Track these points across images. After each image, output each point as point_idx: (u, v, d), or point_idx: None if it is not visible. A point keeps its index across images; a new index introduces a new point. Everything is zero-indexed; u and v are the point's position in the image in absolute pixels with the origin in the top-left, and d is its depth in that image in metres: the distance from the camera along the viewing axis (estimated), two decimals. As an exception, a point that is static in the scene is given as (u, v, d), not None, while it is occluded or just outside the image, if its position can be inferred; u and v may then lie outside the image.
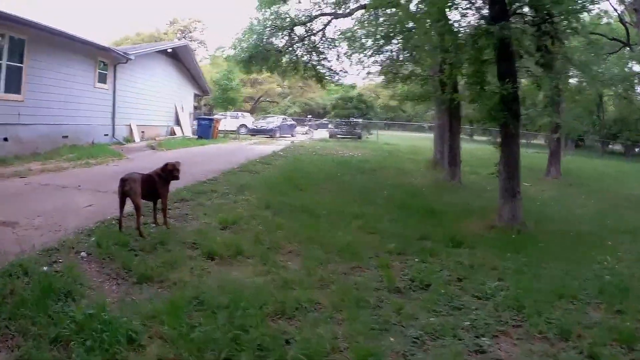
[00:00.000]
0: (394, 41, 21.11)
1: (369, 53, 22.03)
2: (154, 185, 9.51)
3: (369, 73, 33.93)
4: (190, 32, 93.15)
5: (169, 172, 9.72)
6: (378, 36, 20.15)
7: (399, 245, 9.14)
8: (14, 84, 20.88)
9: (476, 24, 13.42)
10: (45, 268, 6.88)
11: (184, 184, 13.38)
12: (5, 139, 20.41)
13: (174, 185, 10.41)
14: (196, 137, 38.79)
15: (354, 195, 13.66)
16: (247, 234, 9.45)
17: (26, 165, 18.04)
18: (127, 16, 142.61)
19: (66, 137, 24.63)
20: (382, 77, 26.83)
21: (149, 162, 16.50)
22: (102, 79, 28.80)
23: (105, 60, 28.88)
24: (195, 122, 43.06)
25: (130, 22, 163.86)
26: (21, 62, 21.18)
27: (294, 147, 33.13)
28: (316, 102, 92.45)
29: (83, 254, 7.83)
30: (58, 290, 6.07)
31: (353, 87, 62.20)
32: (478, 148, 30.54)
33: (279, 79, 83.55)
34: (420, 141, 48.86)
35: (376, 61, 23.72)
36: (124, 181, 8.98)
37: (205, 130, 38.75)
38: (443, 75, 17.59)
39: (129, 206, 9.22)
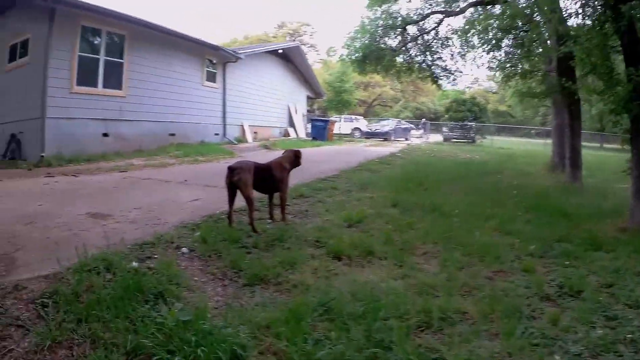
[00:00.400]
0: (510, 35, 19.92)
1: (487, 48, 20.61)
2: (271, 176, 8.16)
3: (476, 79, 32.36)
4: (300, 35, 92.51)
5: (295, 157, 8.62)
6: (491, 33, 19.10)
7: (539, 248, 7.77)
8: (114, 79, 20.57)
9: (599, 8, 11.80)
10: (134, 264, 5.68)
11: (302, 181, 12.23)
12: (105, 135, 20.05)
13: (290, 181, 9.11)
14: (310, 139, 37.75)
15: (481, 195, 12.02)
16: (375, 232, 7.96)
17: (127, 160, 17.62)
18: (234, 20, 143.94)
19: (173, 135, 24.12)
20: (497, 75, 25.24)
21: (263, 161, 15.01)
22: (211, 77, 28.06)
23: (214, 59, 27.99)
24: (308, 125, 42.05)
25: (238, 26, 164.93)
26: (121, 58, 20.86)
27: (410, 149, 31.38)
28: (427, 106, 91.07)
29: (184, 249, 6.56)
30: (147, 289, 4.89)
31: (462, 93, 60.92)
32: (588, 153, 28.58)
33: (392, 82, 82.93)
34: (531, 146, 47.21)
35: (493, 58, 22.34)
36: (232, 170, 7.57)
37: (320, 131, 37.45)
38: (562, 69, 16.08)
39: (241, 200, 7.94)
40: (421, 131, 55.09)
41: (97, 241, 6.32)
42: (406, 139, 48.59)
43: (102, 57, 19.86)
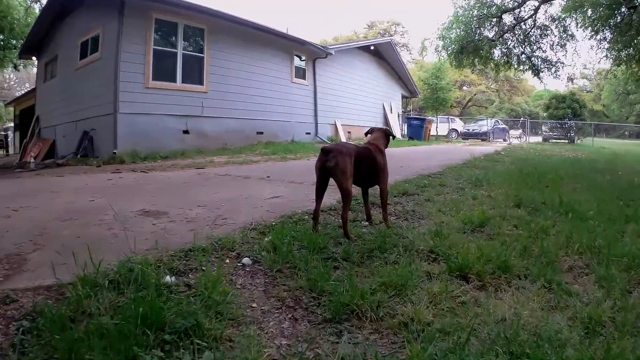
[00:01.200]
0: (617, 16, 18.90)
1: (590, 32, 19.71)
2: (373, 164, 5.91)
3: (571, 78, 31.53)
4: (391, 35, 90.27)
5: (386, 137, 6.37)
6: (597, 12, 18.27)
7: None
8: (194, 74, 20.01)
9: None
10: (168, 278, 3.82)
11: (404, 177, 10.49)
12: (186, 132, 19.42)
13: (392, 177, 7.59)
14: (406, 138, 36.29)
15: (607, 193, 10.02)
16: (505, 239, 5.46)
17: (208, 158, 16.70)
18: (323, 20, 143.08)
19: (261, 133, 23.37)
20: (595, 69, 23.62)
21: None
22: (300, 74, 26.84)
23: (302, 55, 26.82)
24: (404, 125, 41.20)
25: (327, 26, 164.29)
26: (201, 52, 20.30)
27: (512, 148, 28.94)
28: (522, 107, 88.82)
29: (246, 259, 4.46)
30: (170, 321, 3.01)
31: (557, 92, 58.80)
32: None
33: (487, 81, 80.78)
34: (633, 146, 44.61)
35: (603, 39, 21.10)
36: (327, 153, 5.35)
37: (417, 130, 36.19)
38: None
39: (330, 196, 6.52)
40: (520, 131, 52.65)
41: (138, 244, 4.63)
42: (504, 139, 46.95)
43: (179, 52, 19.33)
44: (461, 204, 7.66)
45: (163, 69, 18.62)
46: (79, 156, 17.88)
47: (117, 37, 17.12)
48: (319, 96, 28.59)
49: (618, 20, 19.31)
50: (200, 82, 20.05)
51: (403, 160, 15.67)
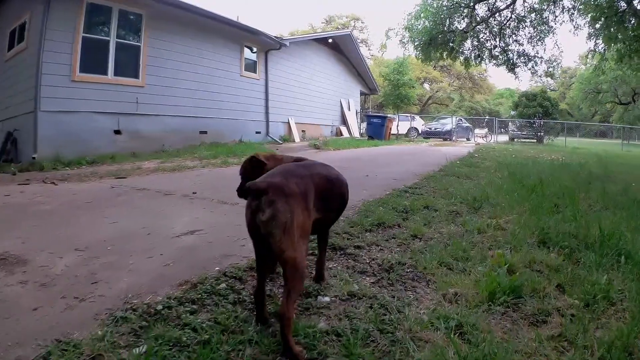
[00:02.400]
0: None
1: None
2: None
3: (550, 75, 31.37)
4: (349, 30, 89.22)
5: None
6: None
7: None
8: (129, 66, 17.78)
9: None
10: None
11: (372, 193, 8.49)
12: (118, 132, 17.26)
13: (358, 194, 7.05)
14: (366, 137, 34.21)
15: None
16: (561, 329, 3.23)
17: (139, 163, 14.62)
18: (278, 13, 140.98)
19: (204, 132, 21.23)
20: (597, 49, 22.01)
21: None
22: (251, 67, 24.74)
23: (254, 46, 24.80)
24: (363, 124, 39.70)
25: (282, 20, 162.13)
26: (138, 41, 18.08)
27: (483, 149, 26.66)
28: (482, 105, 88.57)
29: None
30: None
31: (528, 91, 57.92)
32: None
33: (449, 78, 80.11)
34: (606, 146, 44.61)
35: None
36: (258, 195, 2.99)
37: (377, 129, 33.54)
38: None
39: None
40: (485, 130, 51.46)
41: None
42: (467, 139, 45.94)
43: (113, 40, 17.04)
44: (467, 243, 5.29)
45: (93, 60, 16.51)
46: (1, 161, 15.96)
47: (41, 23, 15.02)
48: (271, 91, 26.52)
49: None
50: (136, 75, 17.95)
51: (367, 165, 14.11)
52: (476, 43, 25.13)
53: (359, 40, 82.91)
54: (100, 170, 12.86)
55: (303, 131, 29.64)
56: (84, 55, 15.92)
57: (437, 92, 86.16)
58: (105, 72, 16.68)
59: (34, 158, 14.41)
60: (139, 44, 17.83)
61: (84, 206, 7.70)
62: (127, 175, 11.72)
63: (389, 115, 40.29)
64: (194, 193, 8.73)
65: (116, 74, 16.99)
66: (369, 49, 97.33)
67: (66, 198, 8.55)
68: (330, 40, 34.28)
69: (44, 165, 13.67)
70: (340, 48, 36.00)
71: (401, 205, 7.34)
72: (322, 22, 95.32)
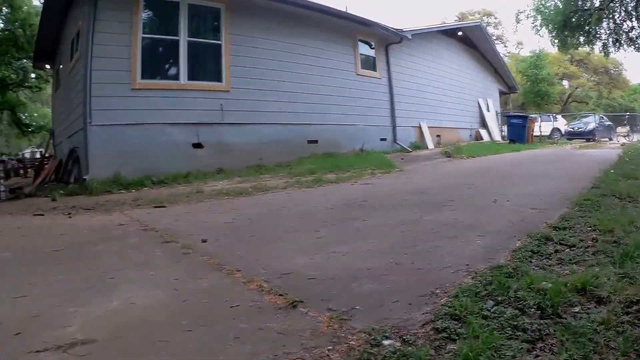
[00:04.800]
0: None
1: None
2: None
3: None
4: (478, 21, 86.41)
5: None
6: None
7: None
8: (208, 68, 15.89)
9: None
10: None
11: (487, 246, 5.31)
12: (197, 145, 15.11)
13: (456, 254, 4.87)
14: (507, 141, 30.18)
15: None
16: None
17: (211, 182, 12.89)
18: (405, 10, 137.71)
19: (314, 142, 18.41)
20: None
21: (430, 178, 12.07)
22: (369, 65, 21.80)
23: (370, 41, 21.89)
24: (504, 127, 35.51)
25: (405, 20, 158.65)
26: (217, 39, 15.94)
27: (632, 150, 22.57)
28: (618, 102, 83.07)
29: None
30: None
31: None
32: None
33: (588, 74, 77.13)
34: None
35: None
36: None
37: (518, 131, 29.62)
38: None
39: None
40: (627, 128, 46.30)
41: None
42: (610, 138, 41.59)
43: (183, 39, 15.03)
44: None
45: (159, 64, 15.13)
46: (58, 182, 15.58)
47: (88, 27, 13.58)
48: (396, 91, 23.00)
49: None
50: (218, 79, 15.73)
51: (500, 181, 10.89)
52: (613, 26, 22.42)
53: (494, 37, 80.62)
54: (151, 194, 11.31)
55: (438, 136, 26.21)
56: (147, 59, 14.34)
57: (576, 88, 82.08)
58: (176, 77, 14.88)
59: (84, 179, 12.95)
60: (218, 42, 15.70)
61: (42, 260, 6.13)
62: (174, 202, 10.05)
63: (530, 115, 36.91)
64: (203, 241, 6.33)
65: (191, 78, 15.01)
66: (504, 46, 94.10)
67: (42, 243, 7.11)
68: (460, 33, 30.17)
69: (93, 188, 12.27)
70: (472, 42, 32.04)
71: (533, 293, 3.94)
72: (455, 19, 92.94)
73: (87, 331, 3.70)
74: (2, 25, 41.68)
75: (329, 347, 3.00)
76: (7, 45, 39.64)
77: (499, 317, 3.39)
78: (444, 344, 3.07)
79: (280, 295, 3.99)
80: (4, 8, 39.52)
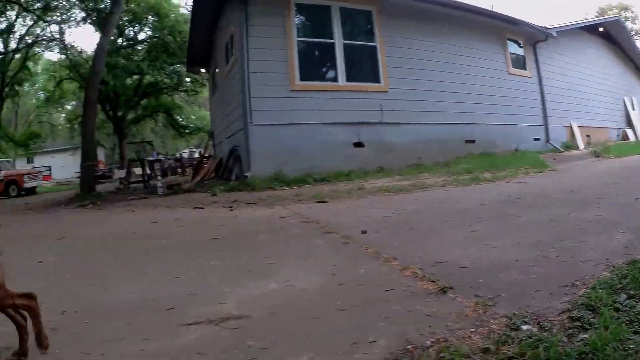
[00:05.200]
0: None
1: None
2: None
3: None
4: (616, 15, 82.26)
5: None
6: None
7: None
8: (365, 69, 16.19)
9: None
10: None
11: (626, 241, 5.30)
12: (358, 144, 15.49)
13: (592, 250, 4.81)
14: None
15: None
16: None
17: (372, 180, 13.05)
18: (541, 5, 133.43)
19: (471, 141, 18.30)
20: None
21: (580, 177, 11.68)
22: (519, 64, 21.35)
23: (518, 39, 21.44)
24: None
25: (546, 12, 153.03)
26: (372, 41, 16.18)
27: None
28: None
29: None
30: None
31: None
32: None
33: None
34: None
35: None
36: None
37: (665, 131, 27.78)
38: None
39: None
40: None
41: None
42: None
43: (338, 42, 15.46)
44: None
45: (316, 66, 15.55)
46: (219, 179, 16.49)
47: (241, 32, 14.44)
48: (547, 90, 22.22)
49: None
50: (376, 80, 15.93)
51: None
52: None
53: (632, 33, 76.54)
54: (312, 190, 11.72)
55: (588, 136, 25.08)
56: (303, 61, 14.90)
57: None
58: (334, 78, 15.38)
59: (246, 176, 13.82)
60: (373, 44, 15.94)
61: (194, 246, 6.90)
62: (335, 198, 10.37)
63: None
64: (363, 233, 6.56)
65: (349, 79, 15.34)
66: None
67: (200, 232, 7.98)
68: (600, 29, 28.87)
69: (255, 184, 13.01)
70: (612, 38, 30.12)
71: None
72: (596, 14, 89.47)
73: (242, 308, 4.07)
74: (150, 32, 43.46)
75: (472, 330, 3.14)
76: (157, 52, 41.46)
77: (630, 310, 3.44)
78: (576, 332, 3.20)
79: (432, 281, 4.10)
80: (149, 16, 41.17)
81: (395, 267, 4.74)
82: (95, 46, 27.09)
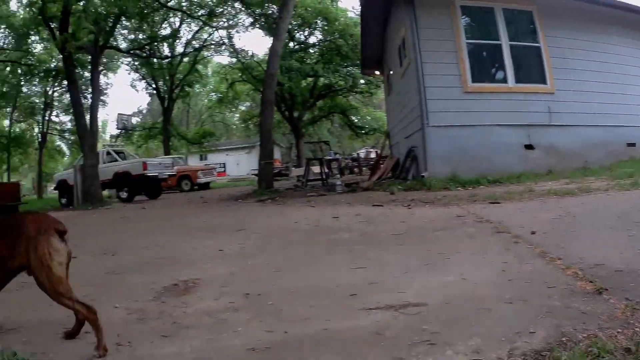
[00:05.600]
0: None
1: None
2: None
3: None
4: None
5: None
6: None
7: None
8: (530, 70, 15.87)
9: None
10: None
11: None
12: (529, 147, 15.27)
13: None
14: None
15: None
16: None
17: (541, 183, 12.68)
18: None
19: (632, 145, 17.13)
20: None
21: None
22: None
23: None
24: None
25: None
26: (535, 41, 15.83)
27: None
28: None
29: None
30: None
31: None
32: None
33: None
34: None
35: None
36: None
37: None
38: None
39: None
40: None
41: None
42: None
43: (505, 43, 15.31)
44: None
45: (485, 68, 15.58)
46: (396, 178, 16.76)
47: (412, 33, 14.77)
48: None
49: None
50: (543, 81, 15.64)
51: None
52: None
53: None
54: (486, 192, 11.85)
55: None
56: (473, 63, 14.94)
57: None
58: (503, 80, 15.29)
59: (422, 176, 14.10)
60: (537, 44, 15.76)
61: (375, 240, 7.37)
62: (508, 199, 10.45)
63: None
64: (532, 233, 6.82)
65: (518, 80, 15.35)
66: None
67: (380, 228, 8.34)
68: None
69: (431, 184, 13.25)
70: None
71: None
72: None
73: (419, 296, 4.43)
74: (320, 36, 44.40)
75: (619, 330, 3.28)
76: (330, 55, 42.22)
77: None
78: None
79: (590, 282, 4.27)
80: (318, 20, 42.13)
81: (559, 267, 4.99)
82: (268, 50, 28.44)
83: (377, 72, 27.81)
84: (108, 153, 27.56)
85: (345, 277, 5.26)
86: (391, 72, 21.69)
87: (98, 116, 27.21)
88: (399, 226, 8.19)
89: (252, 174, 49.11)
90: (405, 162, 16.45)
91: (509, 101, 15.00)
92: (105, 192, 25.19)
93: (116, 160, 26.98)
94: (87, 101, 36.82)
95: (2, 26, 39.42)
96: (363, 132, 53.22)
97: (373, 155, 44.81)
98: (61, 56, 25.72)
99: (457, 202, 10.57)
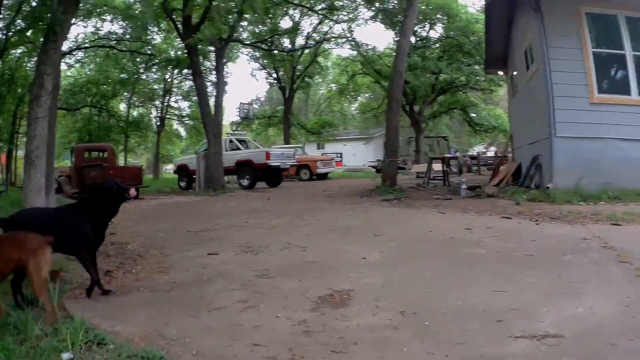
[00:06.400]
0: None
1: None
2: None
3: None
4: None
5: None
6: None
7: None
8: None
9: None
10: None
11: None
12: None
13: None
14: None
15: None
16: None
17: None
18: None
19: None
20: None
21: None
22: None
23: None
24: None
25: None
26: None
27: None
28: None
29: None
30: None
31: None
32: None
33: None
34: None
35: None
36: None
37: None
38: None
39: None
40: None
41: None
42: None
43: (629, 53, 14.50)
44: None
45: (609, 78, 15.04)
46: (520, 186, 16.44)
47: (540, 40, 14.59)
48: None
49: None
50: None
51: None
52: None
53: None
54: (607, 209, 11.27)
55: None
56: (598, 73, 14.38)
57: None
58: (626, 92, 14.49)
59: (547, 188, 13.86)
60: None
61: (510, 259, 7.40)
62: (628, 220, 9.95)
63: None
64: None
65: None
66: None
67: (512, 245, 8.31)
68: None
69: (555, 196, 12.98)
70: None
71: None
72: None
73: (556, 327, 4.60)
74: (441, 32, 44.62)
75: None
76: (452, 52, 42.05)
77: None
78: None
79: None
80: (439, 15, 42.27)
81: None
82: (395, 47, 28.67)
83: (500, 72, 27.45)
84: (231, 141, 28.95)
85: (489, 299, 5.47)
86: (515, 74, 21.51)
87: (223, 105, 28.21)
88: (530, 245, 8.21)
89: (369, 166, 49.31)
90: (529, 169, 16.22)
91: (633, 114, 14.27)
92: (225, 178, 26.16)
93: (239, 149, 28.29)
94: (208, 90, 38.05)
95: (120, 18, 41.28)
96: (482, 129, 52.72)
97: (490, 153, 44.14)
98: (182, 46, 27.03)
99: (580, 220, 10.28)
